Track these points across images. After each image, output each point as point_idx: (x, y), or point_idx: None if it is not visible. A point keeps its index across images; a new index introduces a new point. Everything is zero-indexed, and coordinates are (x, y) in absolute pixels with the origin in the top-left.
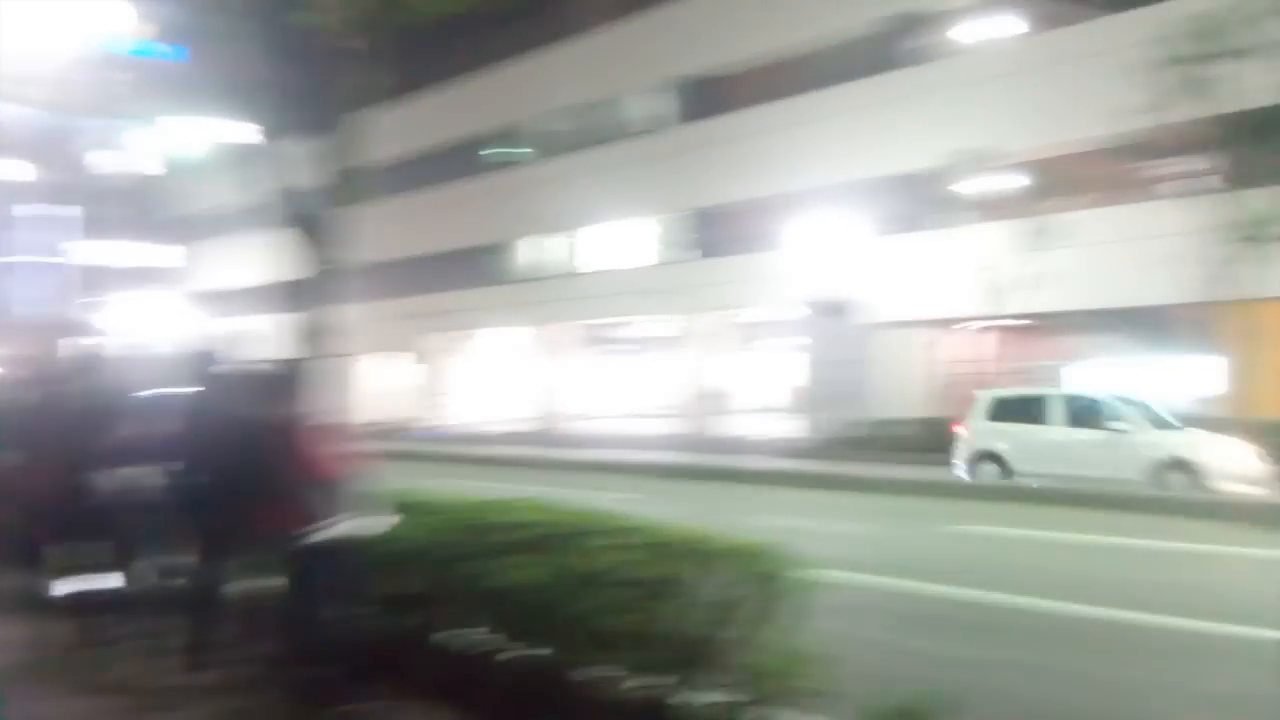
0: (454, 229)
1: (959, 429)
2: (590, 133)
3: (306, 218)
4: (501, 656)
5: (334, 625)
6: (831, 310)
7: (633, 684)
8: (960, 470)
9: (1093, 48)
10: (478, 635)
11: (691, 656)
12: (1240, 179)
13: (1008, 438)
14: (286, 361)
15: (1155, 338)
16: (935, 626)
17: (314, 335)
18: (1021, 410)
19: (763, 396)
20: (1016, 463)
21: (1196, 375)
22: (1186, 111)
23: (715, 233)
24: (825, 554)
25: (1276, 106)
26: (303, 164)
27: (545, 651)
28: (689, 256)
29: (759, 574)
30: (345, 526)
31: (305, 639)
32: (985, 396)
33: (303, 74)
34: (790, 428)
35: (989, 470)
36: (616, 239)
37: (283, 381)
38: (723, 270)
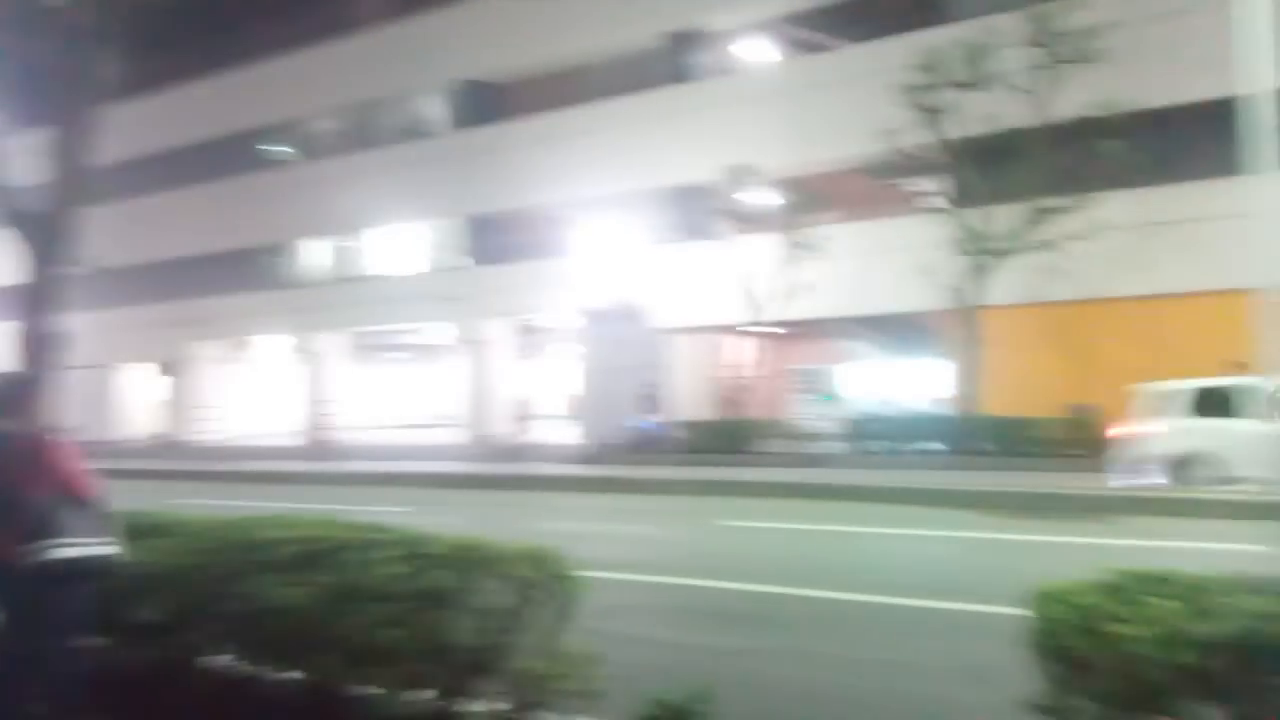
0: (223, 229)
1: (1127, 428)
2: (367, 133)
3: (26, 216)
4: (269, 680)
5: (64, 658)
6: (613, 317)
7: (408, 698)
8: (1136, 478)
9: (849, 73)
10: (241, 660)
11: (467, 666)
12: (964, 199)
13: (1218, 436)
14: (6, 373)
15: (903, 342)
16: (708, 620)
17: (39, 344)
18: (1224, 404)
19: (546, 403)
20: (1237, 465)
21: (936, 376)
22: (922, 136)
23: (496, 239)
24: (603, 556)
25: (990, 135)
26: (24, 157)
27: (313, 673)
28: (469, 263)
29: (533, 579)
30: (76, 550)
31: (30, 674)
32: (1177, 388)
33: (24, 55)
34: (573, 433)
35: (1197, 474)
36: (394, 244)
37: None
38: (504, 277)
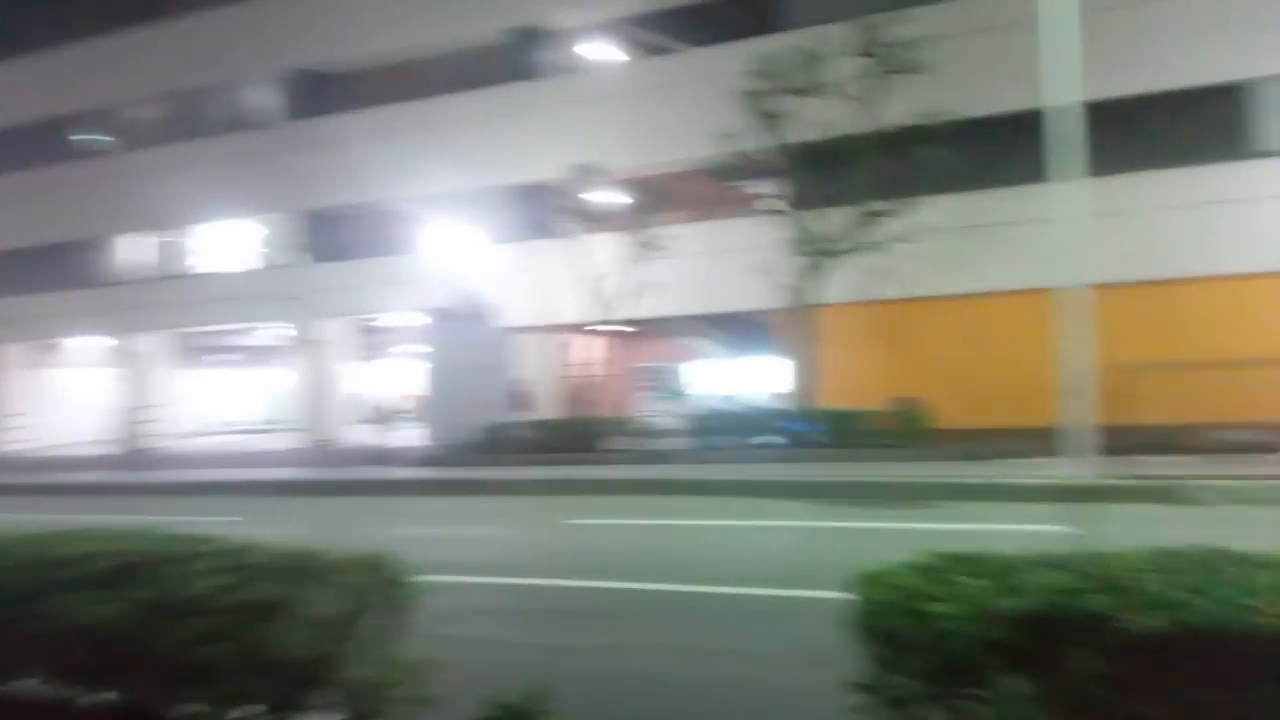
0: (33, 223)
1: None
2: (193, 122)
3: None
4: (81, 704)
5: None
6: (459, 316)
7: (234, 716)
8: None
9: (691, 76)
10: (50, 684)
11: (297, 679)
12: (800, 202)
13: None
14: None
15: (745, 340)
16: (555, 619)
17: None
18: None
19: (390, 405)
20: None
21: (777, 373)
22: (760, 140)
23: (335, 236)
24: (449, 559)
25: (824, 140)
26: None
27: (130, 693)
28: (306, 260)
29: (366, 586)
30: None
31: None
32: None
33: None
34: (417, 435)
35: None
36: (225, 240)
37: None
38: (343, 275)
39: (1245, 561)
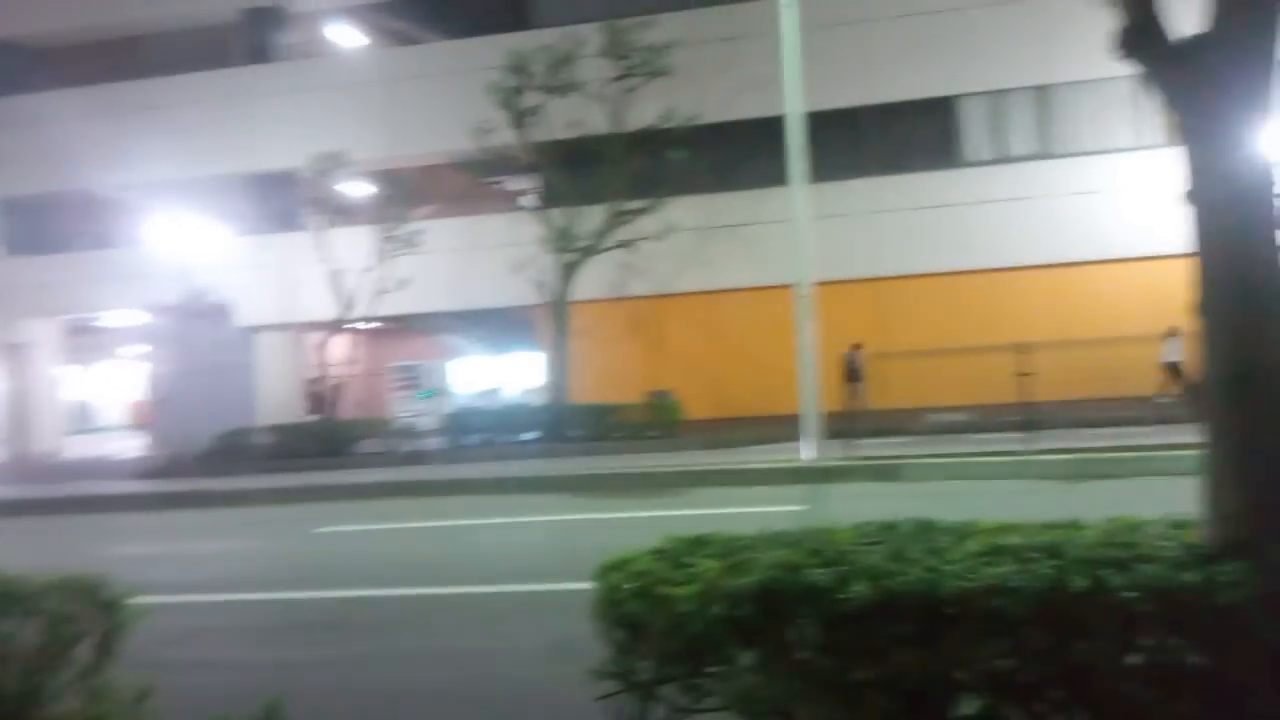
0: None
1: None
2: None
3: None
4: None
5: None
6: (189, 314)
7: None
8: None
9: (442, 68)
10: None
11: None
12: (551, 200)
13: None
14: None
15: (500, 336)
16: (296, 633)
17: None
18: None
19: (108, 412)
20: None
21: (532, 368)
22: (511, 136)
23: (35, 226)
24: (180, 578)
25: (573, 139)
26: None
27: None
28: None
29: (66, 613)
30: None
31: None
32: None
33: None
34: (142, 445)
35: None
36: None
37: None
38: (47, 269)
39: (952, 532)
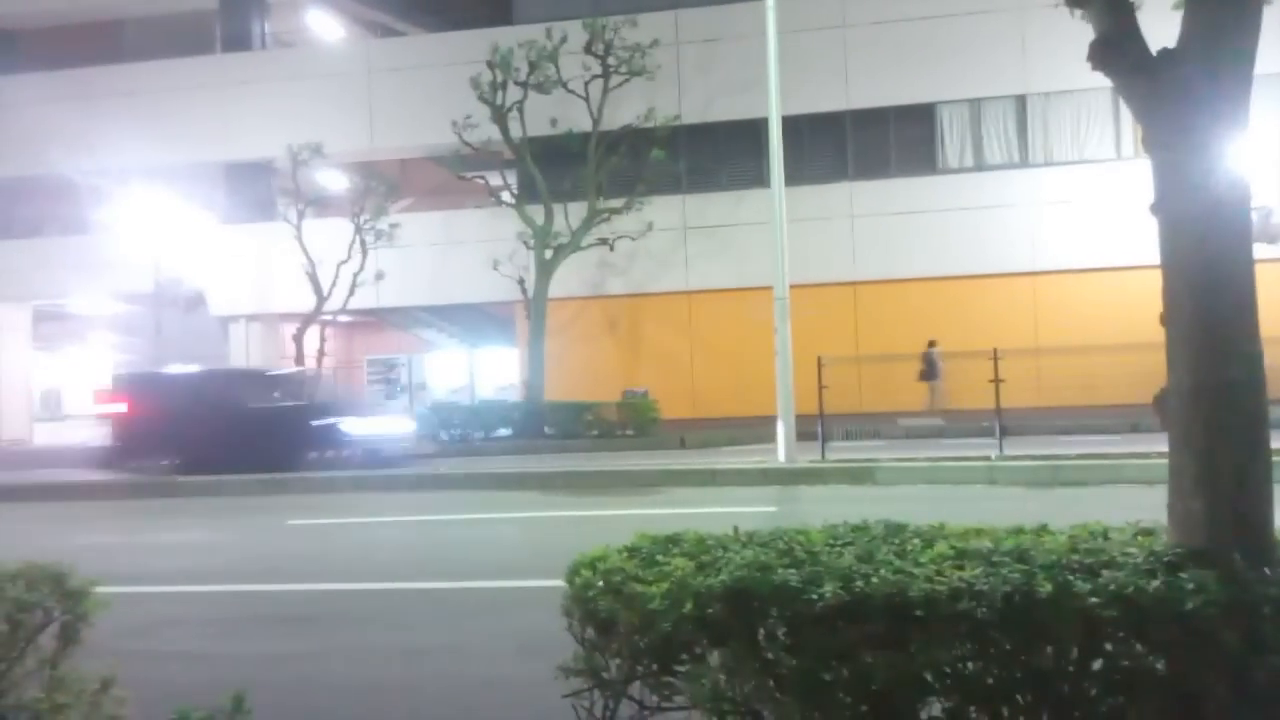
0: None
1: None
2: None
3: None
4: None
5: None
6: (161, 302)
7: None
8: None
9: (421, 61)
10: None
11: None
12: (529, 196)
13: None
14: None
15: (476, 332)
16: (265, 626)
17: None
18: None
19: (76, 400)
20: None
21: (507, 365)
22: (490, 131)
23: (4, 211)
24: (149, 567)
25: (552, 136)
26: None
27: None
28: None
29: (25, 601)
30: None
31: None
32: None
33: None
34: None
35: None
36: None
37: None
38: (13, 254)
39: (922, 535)
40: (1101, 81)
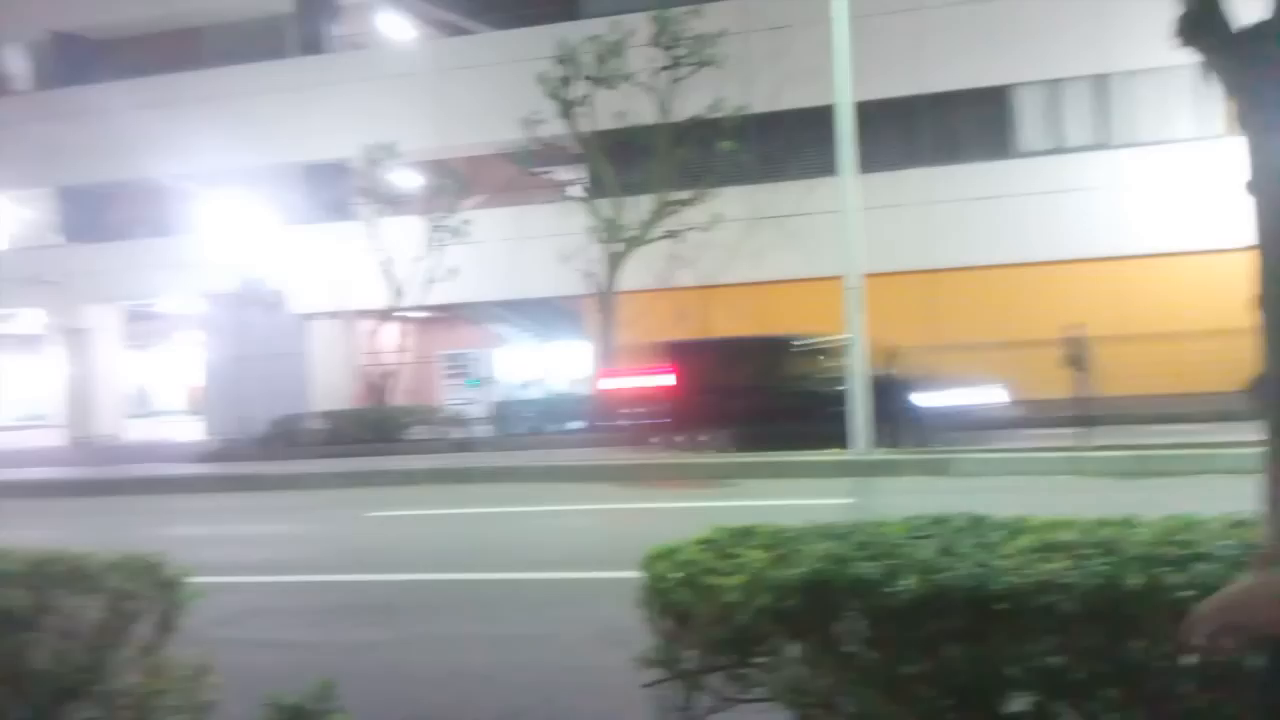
0: None
1: None
2: None
3: None
4: None
5: None
6: (244, 301)
7: None
8: None
9: (491, 59)
10: None
11: (52, 692)
12: (599, 190)
13: None
14: None
15: (547, 326)
16: (349, 615)
17: None
18: None
19: (165, 397)
20: None
21: (578, 358)
22: (559, 126)
23: (95, 215)
24: (235, 559)
25: (621, 130)
26: None
27: None
28: (60, 240)
29: (128, 590)
30: None
31: None
32: None
33: None
34: (198, 429)
35: None
36: None
37: None
38: (107, 257)
39: (1003, 527)
40: (1184, 58)
